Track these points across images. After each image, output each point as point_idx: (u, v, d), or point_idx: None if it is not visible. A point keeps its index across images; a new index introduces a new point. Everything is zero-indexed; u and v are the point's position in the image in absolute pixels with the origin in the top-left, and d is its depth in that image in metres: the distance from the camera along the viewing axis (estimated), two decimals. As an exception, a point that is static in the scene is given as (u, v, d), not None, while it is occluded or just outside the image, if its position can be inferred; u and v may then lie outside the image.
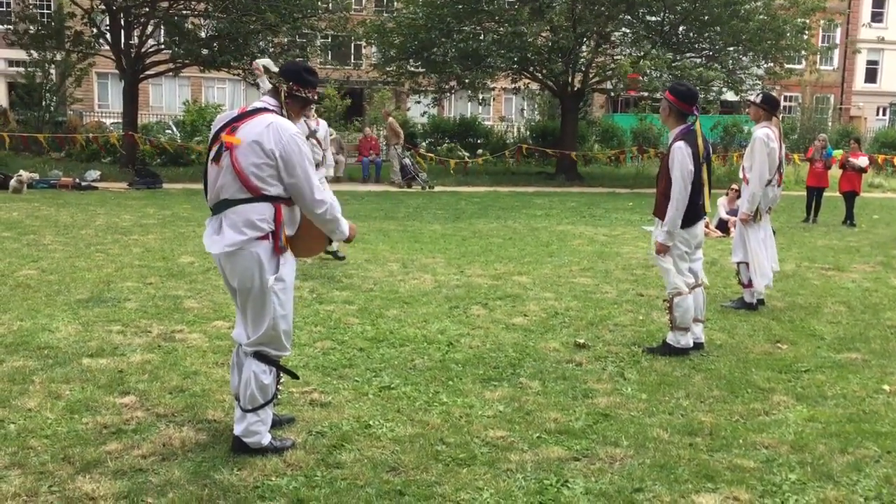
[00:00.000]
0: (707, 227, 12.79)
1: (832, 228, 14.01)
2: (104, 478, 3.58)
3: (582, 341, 6.00)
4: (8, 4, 25.27)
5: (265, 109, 3.80)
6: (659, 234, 5.75)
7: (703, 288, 6.05)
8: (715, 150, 27.18)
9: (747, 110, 8.10)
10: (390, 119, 21.66)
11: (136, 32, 20.55)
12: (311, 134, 8.90)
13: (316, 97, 4.00)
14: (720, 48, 22.42)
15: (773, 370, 5.46)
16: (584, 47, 22.69)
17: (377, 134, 24.56)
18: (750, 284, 7.27)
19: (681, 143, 5.58)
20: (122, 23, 20.35)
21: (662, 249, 5.74)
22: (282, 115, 3.82)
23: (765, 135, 7.11)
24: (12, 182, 15.83)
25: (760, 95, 7.49)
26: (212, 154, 3.80)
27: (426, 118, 28.01)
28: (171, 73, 22.16)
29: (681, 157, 5.55)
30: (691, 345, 5.78)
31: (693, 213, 5.69)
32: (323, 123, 9.21)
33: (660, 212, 5.76)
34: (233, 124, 3.76)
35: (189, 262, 8.78)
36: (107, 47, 20.90)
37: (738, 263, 7.37)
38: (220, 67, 20.88)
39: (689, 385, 5.11)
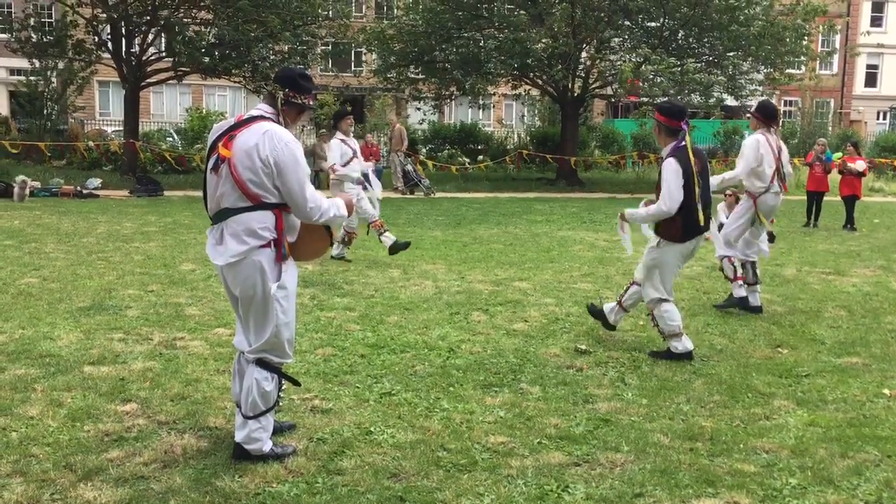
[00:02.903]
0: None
1: (833, 233, 14.02)
2: (106, 485, 3.59)
3: (583, 347, 6.01)
4: (10, 13, 25.33)
5: (262, 117, 3.81)
6: (629, 211, 5.87)
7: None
8: (715, 154, 27.21)
9: (748, 115, 8.19)
10: (398, 126, 21.72)
11: (137, 41, 20.62)
12: (354, 153, 9.25)
13: (312, 103, 4.00)
14: (720, 53, 22.45)
15: (774, 375, 5.46)
16: (584, 53, 22.73)
17: (378, 140, 24.59)
18: (737, 278, 7.26)
19: (671, 160, 5.61)
20: (124, 31, 20.41)
21: (625, 217, 5.88)
22: (278, 122, 3.83)
23: (754, 139, 7.16)
24: (16, 189, 15.89)
25: (755, 105, 7.55)
26: (210, 164, 3.81)
27: (426, 124, 28.06)
28: (173, 81, 22.22)
29: (670, 173, 5.58)
30: (691, 348, 5.80)
31: (689, 227, 5.70)
32: (355, 142, 9.57)
33: (660, 230, 5.77)
34: (230, 133, 3.77)
35: (190, 269, 8.79)
36: (108, 56, 20.97)
37: (722, 258, 7.36)
38: (221, 75, 20.93)
39: (689, 390, 5.12)
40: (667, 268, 5.80)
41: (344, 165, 9.20)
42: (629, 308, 6.17)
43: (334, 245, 9.40)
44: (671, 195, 5.55)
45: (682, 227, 5.66)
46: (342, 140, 9.22)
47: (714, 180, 7.34)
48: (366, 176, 9.50)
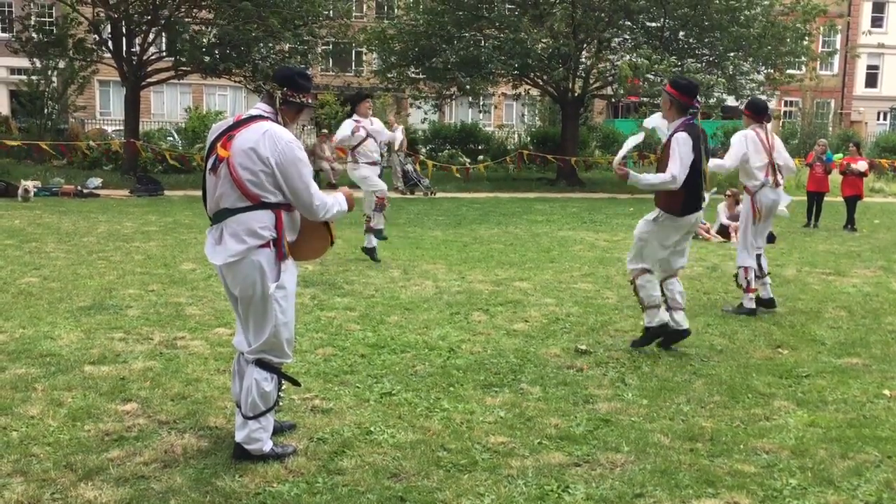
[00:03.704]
0: (707, 231, 12.81)
1: (833, 233, 14.02)
2: (106, 485, 3.60)
3: (583, 347, 6.01)
4: (11, 13, 25.33)
5: (260, 117, 3.81)
6: (634, 175, 5.67)
7: (678, 278, 6.08)
8: (715, 154, 27.19)
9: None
10: (396, 126, 21.74)
11: (137, 40, 20.64)
12: (369, 134, 9.34)
13: (310, 102, 4.00)
14: (720, 54, 22.45)
15: (774, 375, 5.46)
16: (584, 53, 22.74)
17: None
18: (749, 290, 7.27)
19: (682, 134, 5.62)
20: (125, 30, 20.43)
21: (622, 173, 5.66)
22: (277, 121, 3.83)
23: (741, 135, 7.23)
24: (20, 192, 15.93)
25: (745, 101, 7.60)
26: (209, 164, 3.81)
27: (427, 124, 28.08)
28: (174, 80, 22.25)
29: (681, 145, 5.58)
30: (666, 320, 5.84)
31: (690, 203, 5.71)
32: (377, 121, 9.72)
33: (660, 202, 5.78)
34: (229, 133, 3.77)
35: (190, 269, 8.80)
36: (109, 55, 20.98)
37: (739, 268, 7.38)
38: (221, 74, 20.95)
39: (689, 390, 5.12)
40: (660, 241, 5.81)
41: (357, 146, 9.33)
42: (676, 305, 5.95)
43: (373, 217, 9.53)
44: (682, 166, 5.55)
45: (684, 201, 5.67)
46: (356, 121, 9.35)
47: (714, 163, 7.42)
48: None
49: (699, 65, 22.39)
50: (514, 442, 4.21)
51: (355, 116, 9.47)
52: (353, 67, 33.51)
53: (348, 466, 3.86)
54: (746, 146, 7.14)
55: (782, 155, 7.40)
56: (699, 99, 5.79)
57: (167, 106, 38.58)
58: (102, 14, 20.27)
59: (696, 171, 5.62)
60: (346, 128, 9.37)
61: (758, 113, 7.34)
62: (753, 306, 7.28)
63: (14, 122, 26.85)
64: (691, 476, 3.84)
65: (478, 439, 4.22)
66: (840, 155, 19.05)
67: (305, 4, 20.17)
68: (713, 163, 7.12)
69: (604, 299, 7.78)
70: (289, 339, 3.90)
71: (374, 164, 9.57)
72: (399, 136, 10.89)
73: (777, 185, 7.34)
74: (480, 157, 26.85)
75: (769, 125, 7.40)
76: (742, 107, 7.60)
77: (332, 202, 3.86)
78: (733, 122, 30.56)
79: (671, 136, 5.70)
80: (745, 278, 7.27)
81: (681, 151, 5.57)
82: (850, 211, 14.86)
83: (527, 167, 26.05)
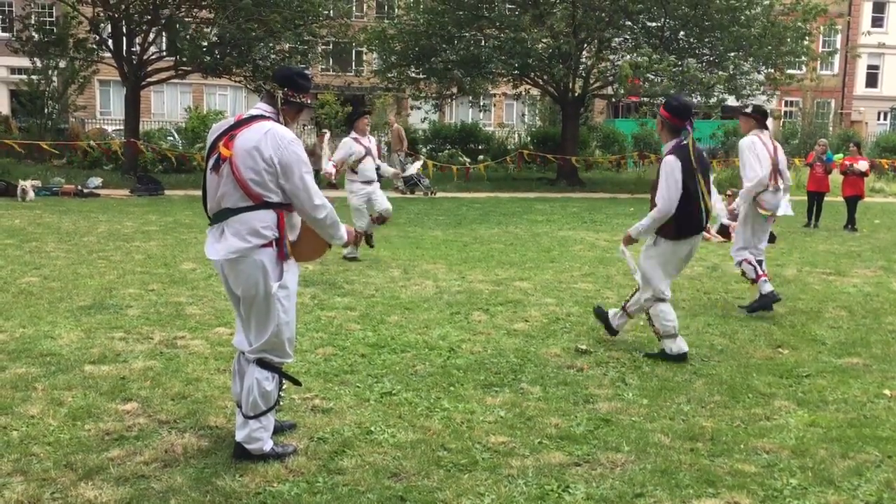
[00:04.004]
0: (708, 231, 12.81)
1: (833, 233, 14.01)
2: (107, 484, 3.60)
3: (583, 347, 6.01)
4: (11, 12, 25.32)
5: (262, 117, 3.81)
6: (632, 229, 5.80)
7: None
8: (715, 155, 27.19)
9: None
10: (396, 125, 21.76)
11: (137, 40, 20.64)
12: (368, 151, 9.34)
13: (310, 102, 4.01)
14: (721, 53, 22.45)
15: (774, 375, 5.46)
16: (584, 53, 22.74)
17: (379, 140, 24.61)
18: (759, 276, 7.23)
19: (670, 158, 5.60)
20: (125, 30, 20.43)
21: (627, 241, 5.81)
22: (278, 121, 3.83)
23: (750, 141, 7.21)
24: (19, 192, 15.94)
25: (750, 107, 7.63)
26: (210, 163, 3.81)
27: (427, 124, 28.08)
28: (174, 80, 22.25)
29: (668, 171, 5.57)
30: (685, 350, 5.78)
31: (685, 226, 5.69)
32: (373, 139, 9.78)
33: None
34: (231, 132, 3.77)
35: (191, 268, 8.80)
36: (109, 55, 20.98)
37: (740, 263, 7.36)
38: (222, 74, 20.95)
39: (690, 390, 5.12)
40: (663, 266, 5.79)
41: (357, 163, 9.31)
42: (633, 315, 6.09)
43: (348, 246, 9.43)
44: (669, 195, 5.54)
45: (676, 224, 5.64)
46: (355, 139, 9.32)
47: (737, 200, 7.42)
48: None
49: (700, 64, 22.39)
50: (514, 442, 4.21)
51: (353, 134, 9.41)
52: (354, 67, 33.53)
53: (348, 466, 3.86)
54: (756, 151, 7.13)
55: (783, 160, 7.42)
56: (692, 120, 5.76)
57: (167, 106, 38.57)
58: (102, 14, 20.27)
59: (688, 193, 5.59)
60: (345, 148, 9.32)
61: (764, 117, 7.37)
62: (770, 288, 7.20)
63: (14, 121, 26.84)
64: (692, 476, 3.84)
65: (478, 439, 4.22)
66: (840, 155, 19.05)
67: (305, 4, 20.17)
68: (750, 187, 7.12)
69: (604, 299, 7.78)
70: (290, 338, 3.91)
71: (370, 182, 9.46)
72: (391, 169, 10.87)
73: (777, 189, 7.34)
74: (480, 157, 26.85)
75: (768, 131, 7.41)
76: (747, 110, 7.57)
77: (332, 207, 3.87)
78: (733, 122, 30.56)
79: (661, 159, 5.72)
80: (751, 266, 7.24)
81: (667, 178, 5.57)
82: (850, 211, 14.85)
83: (527, 167, 26.06)
